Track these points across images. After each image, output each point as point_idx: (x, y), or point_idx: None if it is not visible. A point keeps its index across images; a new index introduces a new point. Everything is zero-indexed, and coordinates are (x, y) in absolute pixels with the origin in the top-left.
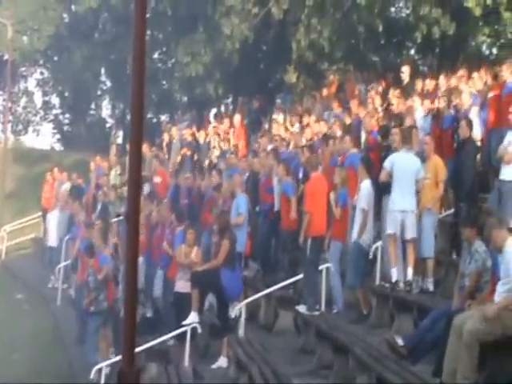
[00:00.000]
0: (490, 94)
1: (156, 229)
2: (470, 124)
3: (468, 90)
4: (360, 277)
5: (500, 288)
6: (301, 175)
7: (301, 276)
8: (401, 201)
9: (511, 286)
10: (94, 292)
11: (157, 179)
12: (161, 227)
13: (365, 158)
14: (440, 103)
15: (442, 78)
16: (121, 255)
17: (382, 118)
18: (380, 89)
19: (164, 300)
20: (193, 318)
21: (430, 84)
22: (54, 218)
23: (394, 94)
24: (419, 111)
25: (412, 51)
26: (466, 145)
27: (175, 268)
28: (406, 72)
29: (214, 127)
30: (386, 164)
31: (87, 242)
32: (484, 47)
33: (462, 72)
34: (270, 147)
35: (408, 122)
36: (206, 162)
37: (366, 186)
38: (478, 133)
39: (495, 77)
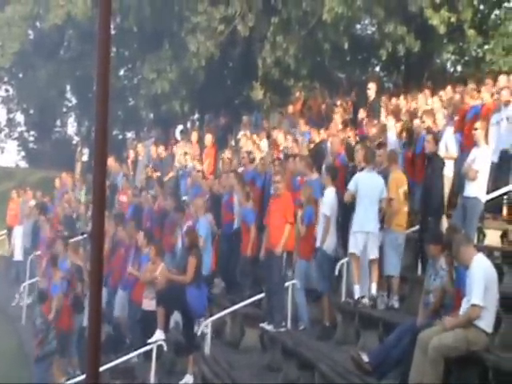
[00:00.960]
0: (456, 118)
1: (117, 249)
2: (435, 139)
3: (441, 110)
4: (327, 281)
5: (465, 305)
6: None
7: (266, 293)
8: (364, 222)
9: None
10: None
11: (123, 198)
12: (124, 247)
13: (330, 167)
14: (412, 126)
15: (409, 99)
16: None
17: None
18: (345, 106)
19: (129, 319)
20: (158, 335)
21: (398, 103)
22: (19, 232)
23: (362, 114)
24: (392, 131)
25: (377, 68)
26: (432, 160)
27: (140, 289)
28: (372, 89)
29: (180, 144)
30: (350, 185)
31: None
32: (449, 64)
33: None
34: (233, 168)
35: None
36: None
37: (329, 193)
38: (453, 152)
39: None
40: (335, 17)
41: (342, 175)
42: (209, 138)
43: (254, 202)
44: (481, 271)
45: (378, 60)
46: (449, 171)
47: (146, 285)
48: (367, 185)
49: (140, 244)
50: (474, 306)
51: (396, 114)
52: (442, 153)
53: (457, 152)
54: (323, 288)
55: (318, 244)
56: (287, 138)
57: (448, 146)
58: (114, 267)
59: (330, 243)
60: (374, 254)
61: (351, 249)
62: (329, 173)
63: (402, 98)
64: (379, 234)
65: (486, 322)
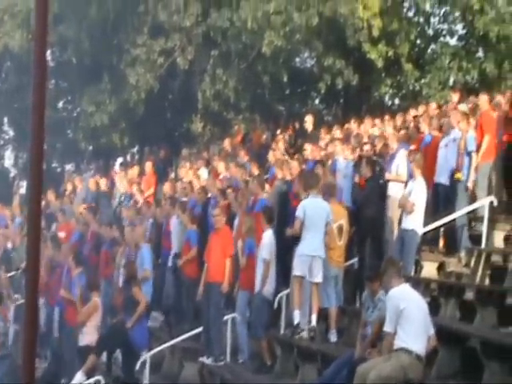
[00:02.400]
0: (411, 147)
1: (55, 271)
2: (370, 163)
3: (394, 135)
4: (263, 327)
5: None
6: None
7: (205, 327)
8: (310, 245)
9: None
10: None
11: (61, 234)
12: (59, 270)
13: (266, 208)
14: (363, 151)
15: (353, 125)
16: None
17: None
18: (286, 137)
19: (65, 347)
20: (79, 378)
21: (349, 128)
22: None
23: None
24: (340, 157)
25: (317, 101)
26: (368, 186)
27: (73, 311)
28: (309, 121)
29: (120, 175)
30: (298, 212)
31: None
32: (387, 98)
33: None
34: (176, 195)
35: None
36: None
37: (267, 235)
38: (403, 175)
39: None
40: (274, 50)
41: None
42: (149, 166)
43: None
44: (391, 299)
45: (318, 93)
46: (397, 194)
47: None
48: (313, 210)
49: (70, 266)
50: (384, 332)
51: (347, 138)
52: (392, 175)
53: (406, 175)
54: (261, 334)
55: (256, 289)
56: (228, 167)
57: (399, 168)
58: (52, 289)
59: (269, 287)
60: (318, 277)
61: (295, 271)
62: (265, 214)
63: (352, 122)
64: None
65: (414, 344)
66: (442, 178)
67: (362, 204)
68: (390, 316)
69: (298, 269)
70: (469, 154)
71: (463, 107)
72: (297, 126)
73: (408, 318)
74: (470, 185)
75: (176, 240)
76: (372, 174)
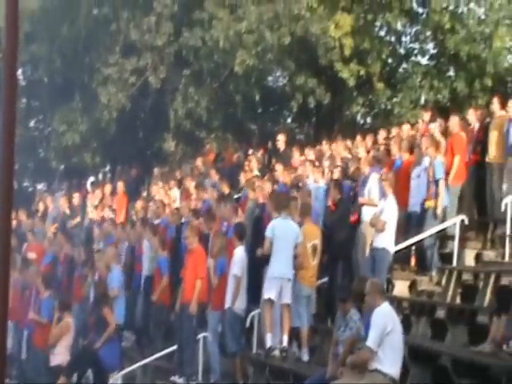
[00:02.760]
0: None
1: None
2: (338, 186)
3: (366, 159)
4: (236, 342)
5: None
6: None
7: (178, 346)
8: (280, 267)
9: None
10: None
11: (31, 255)
12: (28, 292)
13: (238, 225)
14: (335, 173)
15: (325, 146)
16: None
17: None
18: (259, 156)
19: (33, 369)
20: None
21: (321, 149)
22: None
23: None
24: (311, 179)
25: (289, 120)
26: (337, 208)
27: (41, 334)
28: (281, 140)
29: (91, 194)
30: (268, 233)
31: None
32: (358, 117)
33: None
34: (148, 216)
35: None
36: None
37: (238, 252)
38: (375, 198)
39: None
40: (246, 69)
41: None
42: (120, 186)
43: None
44: (380, 317)
45: (290, 112)
46: (369, 217)
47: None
48: (282, 231)
49: (39, 289)
50: (366, 347)
51: (318, 159)
52: (365, 199)
53: (378, 199)
54: (235, 348)
55: (227, 305)
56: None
57: (371, 192)
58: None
59: (240, 303)
60: (287, 299)
61: (266, 295)
62: (236, 231)
63: (324, 143)
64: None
65: (390, 368)
66: (415, 207)
67: (333, 226)
68: (375, 334)
69: (268, 292)
70: (437, 181)
71: (434, 127)
72: (269, 145)
73: (391, 341)
74: (439, 211)
75: (147, 263)
76: (341, 196)
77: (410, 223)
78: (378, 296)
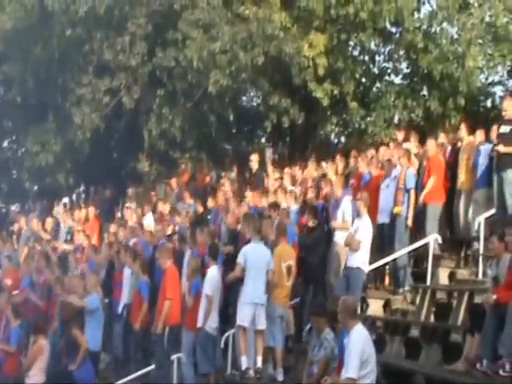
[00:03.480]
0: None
1: None
2: (312, 211)
3: (339, 178)
4: (210, 362)
5: (343, 375)
6: None
7: (153, 367)
8: (252, 293)
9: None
10: None
11: (7, 282)
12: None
13: (212, 246)
14: (308, 195)
15: (298, 171)
16: None
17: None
18: (233, 176)
19: None
20: None
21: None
22: None
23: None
24: (283, 204)
25: (263, 139)
26: (312, 232)
27: (12, 363)
28: (254, 160)
29: (65, 217)
30: (239, 258)
31: None
32: (332, 136)
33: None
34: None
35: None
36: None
37: (211, 271)
38: (348, 222)
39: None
40: (220, 89)
41: None
42: (92, 211)
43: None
44: (359, 343)
45: (264, 131)
46: (342, 238)
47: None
48: (254, 257)
49: (9, 318)
50: (348, 379)
51: (292, 182)
52: (338, 222)
53: (351, 222)
54: (209, 369)
55: (199, 324)
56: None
57: (344, 215)
58: None
59: (212, 323)
60: (261, 324)
61: (239, 321)
62: (210, 251)
63: (297, 168)
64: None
65: None
66: (384, 217)
67: (308, 248)
68: (355, 364)
69: (241, 319)
70: (408, 190)
71: (408, 146)
72: (243, 164)
73: (367, 367)
74: (409, 222)
75: (127, 290)
76: (316, 220)
77: (381, 236)
78: (349, 315)
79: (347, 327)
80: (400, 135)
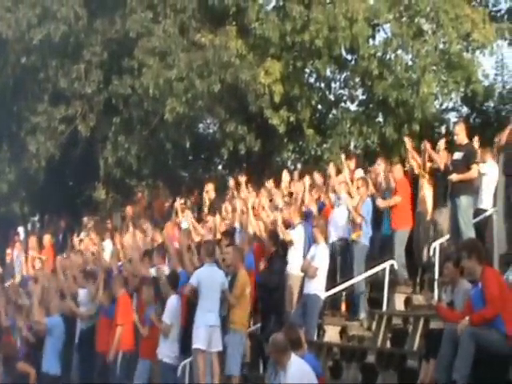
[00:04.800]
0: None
1: None
2: (272, 237)
3: (296, 208)
4: None
5: None
6: None
7: None
8: (207, 315)
9: None
10: None
11: None
12: None
13: (171, 274)
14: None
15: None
16: None
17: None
18: (189, 203)
19: None
20: None
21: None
22: None
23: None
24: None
25: (220, 167)
26: (272, 260)
27: None
28: (210, 189)
29: (20, 248)
30: (192, 279)
31: None
32: (289, 163)
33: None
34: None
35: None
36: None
37: (171, 301)
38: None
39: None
40: (177, 116)
41: None
42: (47, 239)
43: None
44: (296, 377)
45: (220, 159)
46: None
47: None
48: (208, 279)
49: None
50: None
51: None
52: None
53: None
54: None
55: (158, 354)
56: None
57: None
58: None
59: (169, 352)
60: (217, 347)
61: (195, 344)
62: (169, 280)
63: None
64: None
65: None
66: (334, 238)
67: (267, 275)
68: None
69: (197, 341)
70: (363, 218)
71: (360, 173)
72: (200, 192)
73: None
74: (366, 244)
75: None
76: (276, 248)
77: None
78: (281, 352)
79: (282, 364)
80: (351, 164)
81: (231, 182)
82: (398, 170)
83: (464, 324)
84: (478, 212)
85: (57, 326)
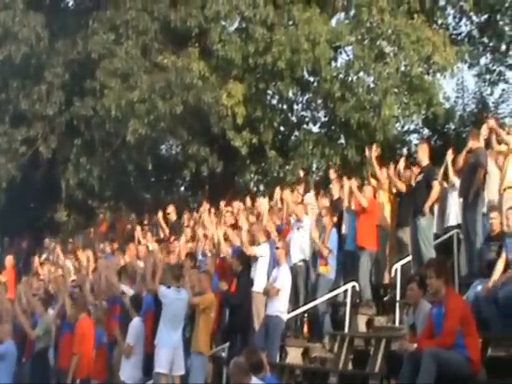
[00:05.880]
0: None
1: None
2: (239, 258)
3: (260, 226)
4: None
5: None
6: None
7: None
8: (170, 337)
9: None
10: None
11: None
12: None
13: (133, 297)
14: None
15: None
16: None
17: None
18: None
19: None
20: None
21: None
22: None
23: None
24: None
25: (182, 188)
26: (239, 280)
27: None
28: (172, 211)
29: None
30: (161, 298)
31: None
32: (251, 184)
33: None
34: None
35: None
36: None
37: (134, 323)
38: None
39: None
40: (139, 138)
41: None
42: (9, 259)
43: None
44: None
45: (183, 180)
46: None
47: None
48: (174, 301)
49: None
50: None
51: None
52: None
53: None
54: None
55: (121, 378)
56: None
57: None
58: None
59: (132, 374)
60: (179, 370)
61: (158, 368)
62: (132, 303)
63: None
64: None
65: None
66: (295, 259)
67: (234, 296)
68: None
69: (159, 365)
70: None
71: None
72: (162, 214)
73: None
74: (332, 278)
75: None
76: (242, 268)
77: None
78: (243, 375)
79: None
80: (300, 189)
81: (202, 208)
82: (369, 191)
83: (409, 344)
84: (447, 230)
85: (9, 351)
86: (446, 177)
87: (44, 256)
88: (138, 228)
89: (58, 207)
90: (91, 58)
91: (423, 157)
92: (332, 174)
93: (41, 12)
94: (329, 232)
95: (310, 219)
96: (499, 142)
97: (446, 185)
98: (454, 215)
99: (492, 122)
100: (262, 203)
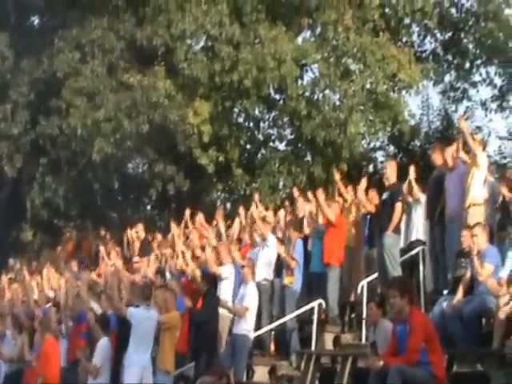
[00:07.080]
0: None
1: None
2: (204, 277)
3: (225, 245)
4: None
5: None
6: None
7: None
8: (138, 356)
9: None
10: None
11: None
12: None
13: (100, 316)
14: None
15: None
16: None
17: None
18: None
19: None
20: None
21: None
22: None
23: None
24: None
25: (149, 207)
26: (204, 299)
27: None
28: (140, 230)
29: None
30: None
31: None
32: (218, 202)
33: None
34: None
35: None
36: None
37: (101, 343)
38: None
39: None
40: (105, 157)
41: None
42: None
43: None
44: None
45: (149, 199)
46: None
47: None
48: (144, 321)
49: None
50: None
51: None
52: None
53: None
54: None
55: None
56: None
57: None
58: None
59: None
60: None
61: None
62: (99, 323)
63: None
64: None
65: None
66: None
67: (201, 315)
68: None
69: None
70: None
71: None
72: (129, 233)
73: None
74: (297, 289)
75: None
76: (208, 287)
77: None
78: None
79: None
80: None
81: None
82: (335, 206)
83: (376, 363)
84: (411, 245)
85: None
86: (410, 190)
87: (10, 275)
88: (102, 248)
89: (23, 227)
90: (57, 76)
91: (391, 175)
92: (295, 192)
93: (5, 31)
94: (294, 243)
95: (273, 237)
96: (467, 152)
97: (410, 199)
98: (418, 230)
99: (464, 124)
100: (254, 211)
